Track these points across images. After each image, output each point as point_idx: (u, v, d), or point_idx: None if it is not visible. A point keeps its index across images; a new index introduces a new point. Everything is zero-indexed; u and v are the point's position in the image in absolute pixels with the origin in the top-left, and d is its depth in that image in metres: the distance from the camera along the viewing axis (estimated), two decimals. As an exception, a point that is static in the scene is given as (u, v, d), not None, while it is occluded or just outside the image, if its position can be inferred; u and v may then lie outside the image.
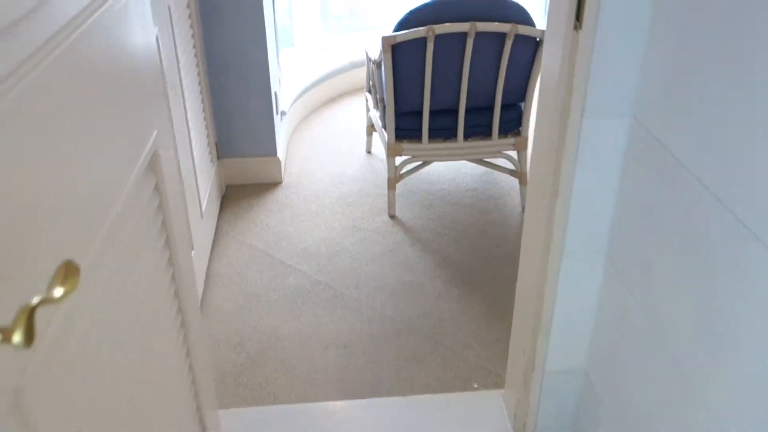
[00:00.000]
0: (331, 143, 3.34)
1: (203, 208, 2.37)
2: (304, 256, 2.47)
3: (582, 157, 1.29)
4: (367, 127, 3.21)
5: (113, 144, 0.85)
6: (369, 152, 3.26)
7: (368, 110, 3.06)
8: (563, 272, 1.41)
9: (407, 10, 2.39)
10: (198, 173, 2.30)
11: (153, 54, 1.09)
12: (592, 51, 1.19)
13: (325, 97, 3.82)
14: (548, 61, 1.36)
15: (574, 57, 1.23)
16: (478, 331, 2.10)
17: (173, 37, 2.01)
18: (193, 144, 2.24)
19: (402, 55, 2.42)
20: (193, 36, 2.41)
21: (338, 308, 2.20)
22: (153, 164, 1.04)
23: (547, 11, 1.38)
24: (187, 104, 2.19)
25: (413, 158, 2.68)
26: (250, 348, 2.03)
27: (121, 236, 0.86)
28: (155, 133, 1.05)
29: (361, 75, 3.94)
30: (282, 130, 3.15)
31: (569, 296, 1.44)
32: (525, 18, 2.42)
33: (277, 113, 2.99)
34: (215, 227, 2.64)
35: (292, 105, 3.39)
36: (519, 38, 2.42)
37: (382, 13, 4.68)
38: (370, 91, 3.04)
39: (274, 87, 2.94)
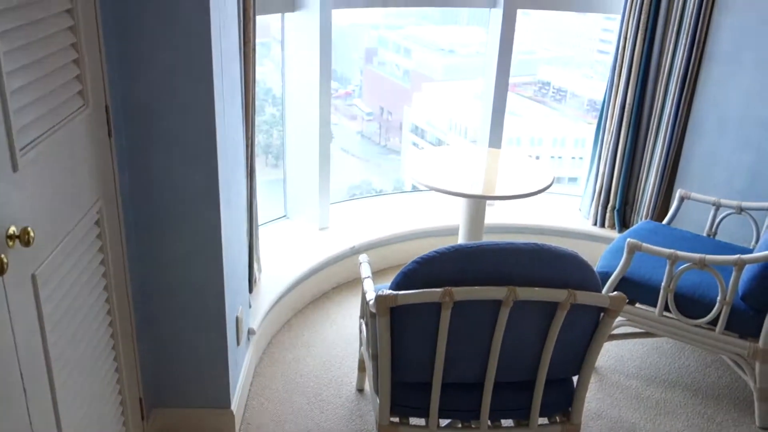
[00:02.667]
0: (313, 373, 2.54)
1: None
2: None
3: None
4: (359, 361, 2.43)
5: None
6: (360, 390, 2.46)
7: (361, 344, 2.29)
8: None
9: (418, 257, 1.65)
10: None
11: None
12: None
13: (314, 291, 3.07)
14: None
15: None
16: None
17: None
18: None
19: (406, 316, 1.66)
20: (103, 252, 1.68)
21: None
22: None
23: None
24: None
25: (414, 446, 1.87)
26: None
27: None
28: None
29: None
30: (245, 358, 2.37)
31: None
32: (586, 278, 1.66)
33: (238, 343, 2.22)
34: None
35: (266, 316, 2.63)
36: (577, 306, 1.66)
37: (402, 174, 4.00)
38: (364, 319, 2.27)
39: (237, 307, 2.19)
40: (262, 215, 3.06)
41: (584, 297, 1.62)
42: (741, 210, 2.73)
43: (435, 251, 1.63)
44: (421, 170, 2.80)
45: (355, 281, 3.21)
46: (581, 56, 4.26)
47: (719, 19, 2.97)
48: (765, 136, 2.93)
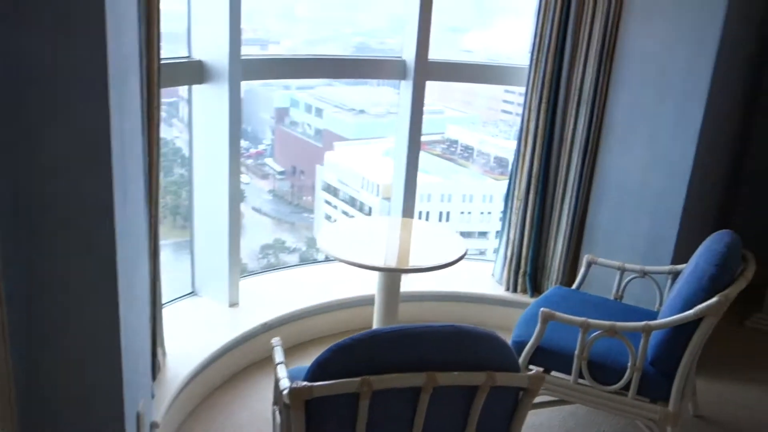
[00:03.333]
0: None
1: None
2: None
3: None
4: (274, 450, 2.30)
5: None
6: (276, 480, 2.32)
7: (275, 432, 2.16)
8: None
9: (332, 345, 1.59)
10: None
11: None
12: None
13: (225, 373, 2.92)
14: None
15: None
16: None
17: None
18: None
19: (322, 407, 1.58)
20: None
21: None
22: None
23: None
24: None
25: None
26: None
27: None
28: None
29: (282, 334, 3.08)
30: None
31: None
32: (505, 359, 1.64)
33: (141, 439, 2.05)
34: None
35: (171, 404, 2.47)
36: (497, 388, 1.63)
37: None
38: (277, 406, 2.16)
39: (137, 401, 2.04)
40: (168, 291, 2.92)
41: (504, 378, 1.60)
42: (644, 274, 2.83)
43: (351, 338, 1.58)
44: (335, 243, 2.76)
45: (269, 359, 3.07)
46: (486, 116, 4.42)
47: (615, 95, 3.13)
48: (658, 205, 3.07)
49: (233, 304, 3.19)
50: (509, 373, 1.62)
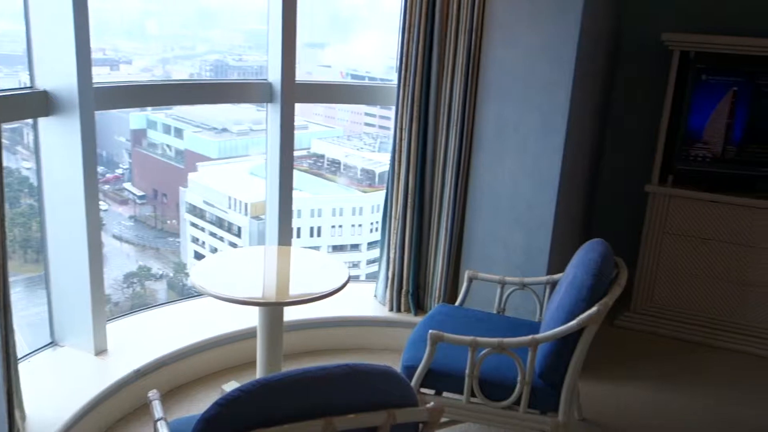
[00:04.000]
0: None
1: None
2: None
3: None
4: None
5: None
6: None
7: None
8: None
9: (219, 398, 1.45)
10: None
11: None
12: None
13: (95, 429, 2.66)
14: None
15: None
16: None
17: None
18: None
19: (210, 469, 1.44)
20: None
21: None
22: None
23: None
24: None
25: None
26: None
27: None
28: None
29: (156, 382, 2.86)
30: None
31: None
32: (403, 393, 1.58)
33: None
34: None
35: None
36: (396, 425, 1.56)
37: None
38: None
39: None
40: (26, 341, 2.65)
41: (403, 415, 1.54)
42: (524, 286, 2.89)
43: (238, 389, 1.45)
44: (209, 277, 2.59)
45: (145, 408, 2.85)
46: (350, 129, 4.46)
47: (483, 109, 3.19)
48: (531, 215, 3.16)
49: (100, 351, 2.93)
50: (409, 409, 1.56)
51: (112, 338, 3.01)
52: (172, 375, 3.01)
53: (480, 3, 3.06)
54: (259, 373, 2.74)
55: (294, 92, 3.22)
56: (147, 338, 3.08)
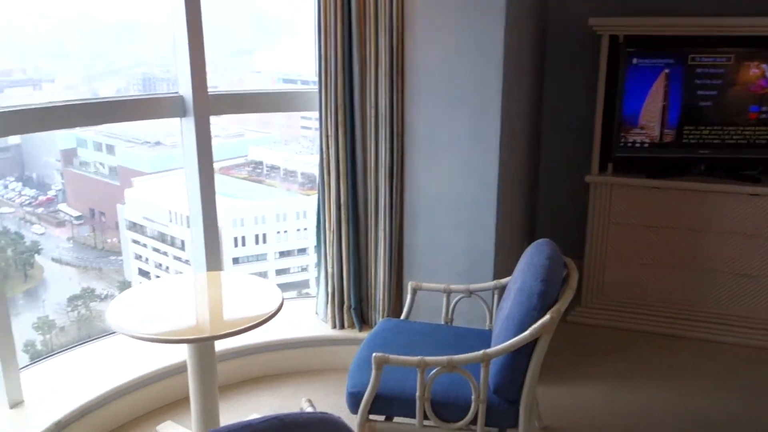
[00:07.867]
0: None
1: None
2: None
3: None
4: None
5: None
6: None
7: None
8: None
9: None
10: None
11: None
12: None
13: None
14: None
15: None
16: None
17: None
18: None
19: None
20: None
21: None
22: None
23: None
24: None
25: None
26: None
27: None
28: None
29: None
30: None
31: None
32: (344, 443, 1.39)
33: None
34: None
35: None
36: (340, 480, 1.37)
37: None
38: None
39: None
40: None
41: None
42: (470, 293, 2.74)
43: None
44: (129, 315, 2.35)
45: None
46: (287, 134, 4.41)
47: (412, 110, 3.02)
48: (472, 217, 3.02)
49: (16, 403, 2.65)
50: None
51: (29, 387, 2.73)
52: (99, 422, 2.74)
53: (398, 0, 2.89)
54: (193, 411, 2.50)
55: (207, 104, 2.98)
56: (68, 384, 2.80)
